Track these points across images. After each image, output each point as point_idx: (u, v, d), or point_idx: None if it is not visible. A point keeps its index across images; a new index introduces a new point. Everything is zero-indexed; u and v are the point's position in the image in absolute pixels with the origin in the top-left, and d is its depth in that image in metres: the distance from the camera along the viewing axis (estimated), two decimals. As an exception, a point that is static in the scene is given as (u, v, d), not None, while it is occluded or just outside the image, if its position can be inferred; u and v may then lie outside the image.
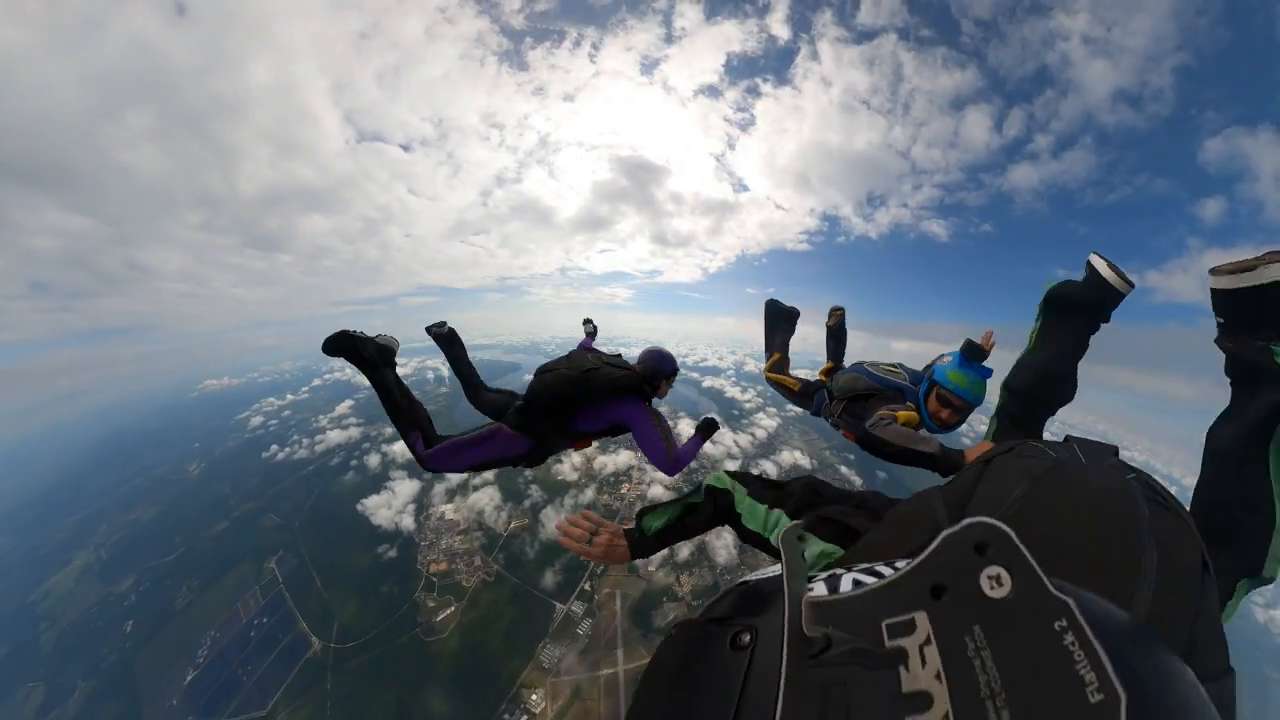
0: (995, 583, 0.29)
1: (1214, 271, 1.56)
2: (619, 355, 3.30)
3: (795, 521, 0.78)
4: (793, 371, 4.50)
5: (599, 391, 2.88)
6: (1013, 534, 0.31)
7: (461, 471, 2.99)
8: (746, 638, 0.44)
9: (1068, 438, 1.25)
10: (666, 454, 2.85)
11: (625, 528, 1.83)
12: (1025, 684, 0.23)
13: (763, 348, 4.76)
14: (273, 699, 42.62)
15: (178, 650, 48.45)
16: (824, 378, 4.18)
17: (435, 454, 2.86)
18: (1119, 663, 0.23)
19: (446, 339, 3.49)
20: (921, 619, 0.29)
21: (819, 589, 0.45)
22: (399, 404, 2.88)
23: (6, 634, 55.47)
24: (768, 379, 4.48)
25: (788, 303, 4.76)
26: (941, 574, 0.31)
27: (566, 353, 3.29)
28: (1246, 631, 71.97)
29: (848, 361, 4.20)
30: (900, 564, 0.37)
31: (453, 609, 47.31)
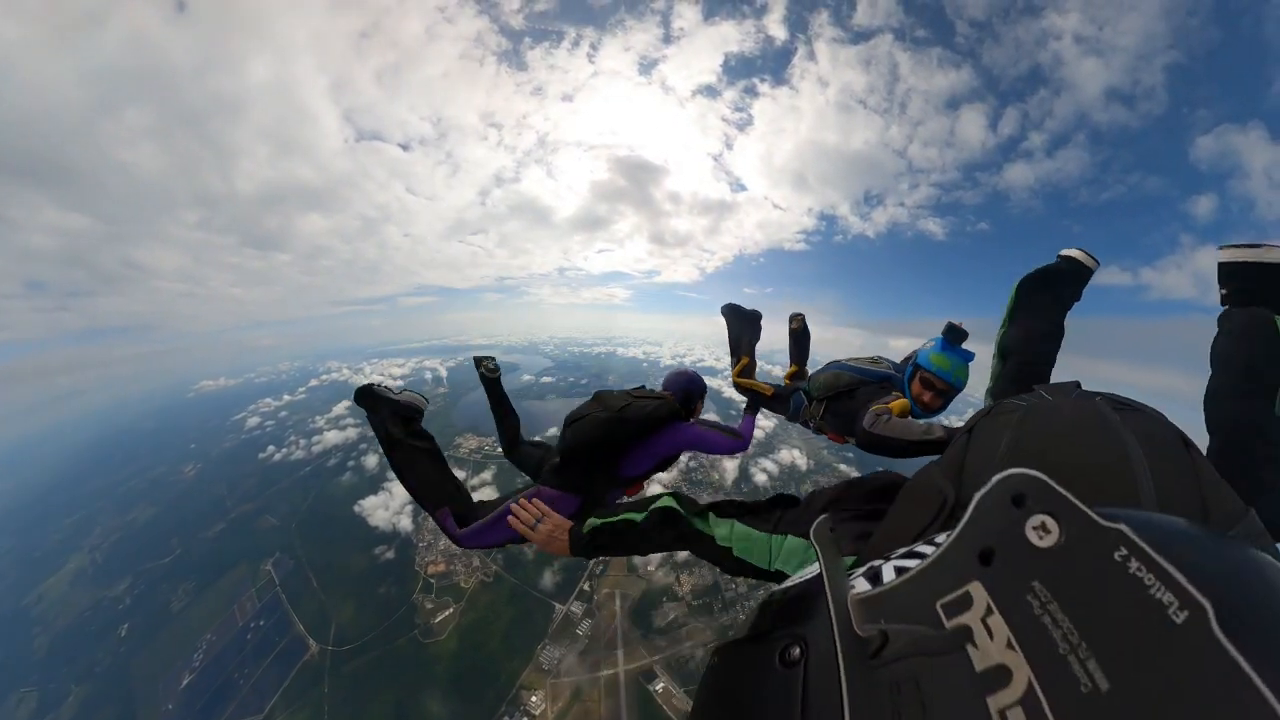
0: (1042, 531, 0.27)
1: (1223, 247, 1.73)
2: (641, 386, 3.09)
3: (824, 515, 0.84)
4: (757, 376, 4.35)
5: (639, 428, 2.62)
6: (1047, 478, 0.29)
7: (500, 546, 2.59)
8: (796, 651, 0.41)
9: (1032, 387, 1.35)
10: (733, 439, 2.77)
11: (571, 525, 1.88)
12: (1103, 626, 0.22)
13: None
14: (270, 702, 42.15)
15: (173, 654, 47.86)
16: (789, 381, 4.12)
17: (471, 533, 2.49)
18: (1192, 572, 0.22)
19: (491, 382, 3.17)
20: (977, 589, 0.28)
21: (861, 585, 0.43)
22: (419, 478, 2.51)
23: None
24: (736, 385, 4.26)
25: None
26: (985, 537, 0.30)
27: (593, 395, 2.99)
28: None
29: (813, 365, 4.14)
30: (940, 539, 0.35)
31: (451, 610, 46.95)
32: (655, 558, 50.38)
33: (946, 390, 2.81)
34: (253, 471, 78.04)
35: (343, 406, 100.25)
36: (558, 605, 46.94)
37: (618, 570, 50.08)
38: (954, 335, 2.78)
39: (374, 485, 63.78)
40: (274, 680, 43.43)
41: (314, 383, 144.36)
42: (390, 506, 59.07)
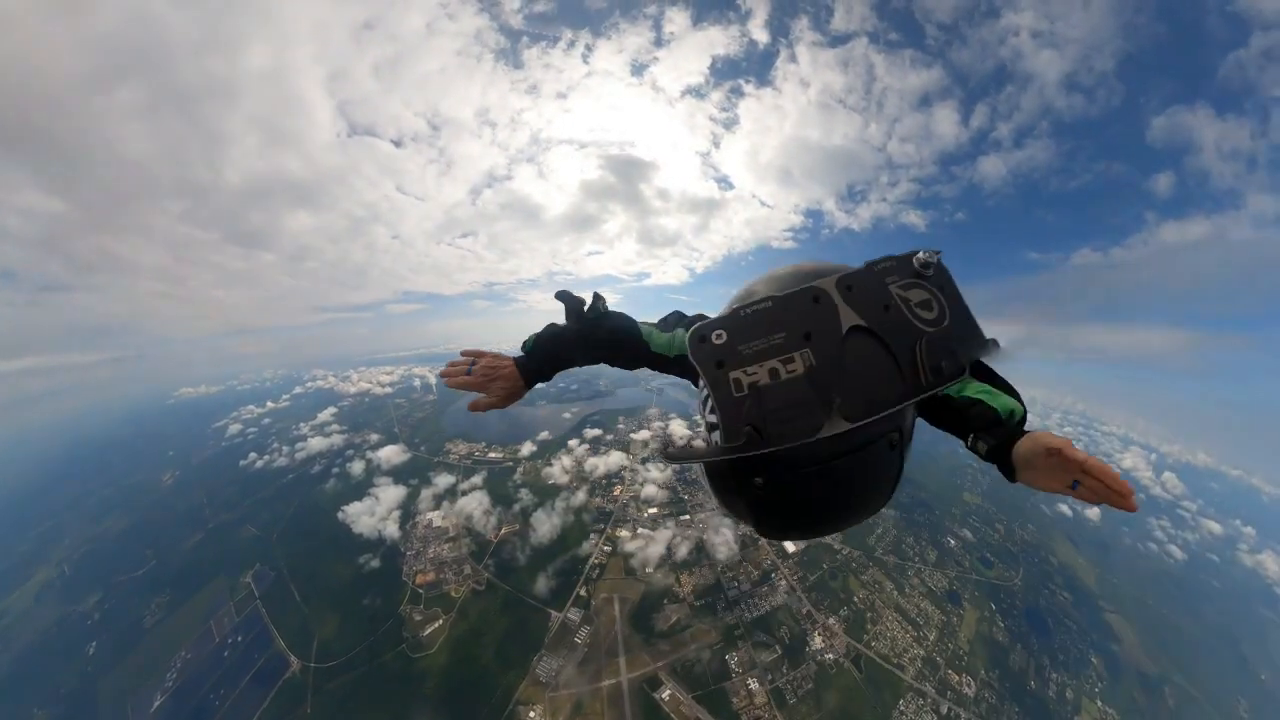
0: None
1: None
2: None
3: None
4: None
5: None
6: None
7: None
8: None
9: None
10: None
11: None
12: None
13: None
14: (248, 724, 39.93)
15: (145, 673, 45.44)
16: None
17: None
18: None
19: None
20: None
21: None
22: None
23: (-42, 661, 51.79)
24: None
25: None
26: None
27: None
28: (1237, 576, 77.73)
29: None
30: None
31: (441, 622, 45.11)
32: (653, 558, 49.01)
33: None
34: (233, 479, 75.26)
35: (328, 413, 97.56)
36: (553, 613, 45.30)
37: (615, 574, 48.78)
38: None
39: (359, 491, 61.87)
40: (253, 700, 41.29)
41: (298, 390, 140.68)
42: (375, 512, 57.14)
